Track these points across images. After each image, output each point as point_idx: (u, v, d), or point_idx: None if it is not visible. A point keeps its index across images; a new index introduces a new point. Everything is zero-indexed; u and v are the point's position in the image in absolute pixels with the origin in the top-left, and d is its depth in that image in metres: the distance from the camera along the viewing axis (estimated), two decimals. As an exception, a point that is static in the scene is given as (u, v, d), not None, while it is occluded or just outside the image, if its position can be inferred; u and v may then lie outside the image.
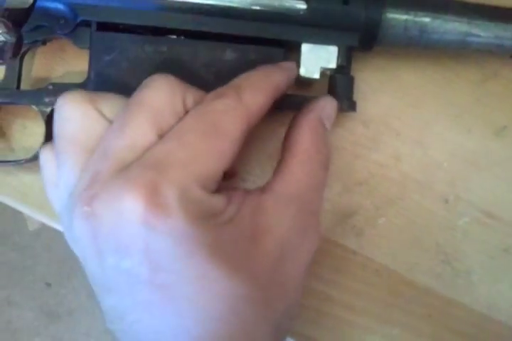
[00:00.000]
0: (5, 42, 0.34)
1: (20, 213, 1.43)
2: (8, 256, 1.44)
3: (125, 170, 0.28)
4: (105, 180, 0.28)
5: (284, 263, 0.30)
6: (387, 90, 0.41)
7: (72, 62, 0.42)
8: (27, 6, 0.36)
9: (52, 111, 0.38)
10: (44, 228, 1.43)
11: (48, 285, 1.42)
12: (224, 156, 0.30)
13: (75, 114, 0.32)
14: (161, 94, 0.31)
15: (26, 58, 0.40)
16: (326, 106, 0.35)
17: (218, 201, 0.29)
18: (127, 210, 0.27)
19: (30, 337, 1.40)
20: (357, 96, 0.39)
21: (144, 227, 0.27)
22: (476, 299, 0.40)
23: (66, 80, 0.41)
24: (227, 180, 0.33)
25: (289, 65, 0.36)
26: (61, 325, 1.41)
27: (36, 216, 0.41)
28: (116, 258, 0.28)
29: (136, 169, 0.28)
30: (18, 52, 0.36)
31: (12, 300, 1.42)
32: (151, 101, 0.31)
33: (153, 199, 0.27)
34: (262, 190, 0.32)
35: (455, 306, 0.40)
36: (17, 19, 0.35)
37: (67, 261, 1.40)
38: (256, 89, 0.32)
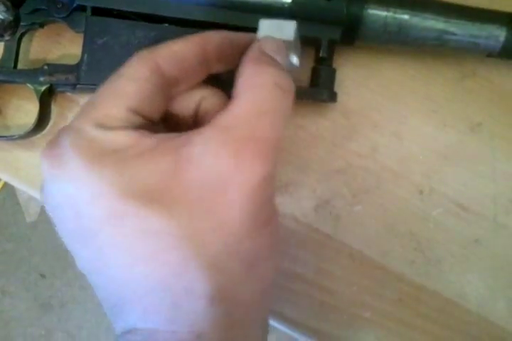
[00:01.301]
0: (3, 21, 0.36)
1: (18, 205, 1.45)
2: (4, 247, 1.45)
3: None
4: None
5: (212, 194, 0.27)
6: (368, 85, 0.43)
7: (67, 45, 0.44)
8: (24, -11, 0.38)
9: (46, 89, 0.40)
10: (41, 220, 1.45)
11: (43, 276, 1.44)
12: (123, 95, 0.29)
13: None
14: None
15: (24, 40, 0.42)
16: (268, 41, 0.32)
17: (119, 136, 0.28)
18: (43, 169, 0.29)
19: (23, 327, 1.42)
20: (340, 89, 0.41)
21: (52, 180, 0.28)
22: (446, 286, 0.41)
23: (62, 62, 0.42)
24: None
25: None
26: (54, 316, 1.42)
27: (27, 190, 0.43)
28: (51, 213, 0.29)
29: None
30: (14, 30, 0.38)
31: (6, 290, 1.43)
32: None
33: (51, 151, 0.28)
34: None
35: (425, 292, 0.41)
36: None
37: (62, 253, 1.42)
38: (174, 41, 0.32)
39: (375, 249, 0.41)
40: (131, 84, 0.30)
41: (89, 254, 0.28)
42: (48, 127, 0.42)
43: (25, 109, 0.43)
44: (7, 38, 0.38)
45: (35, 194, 0.42)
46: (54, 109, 0.42)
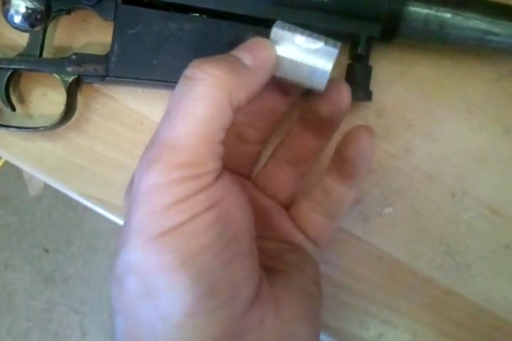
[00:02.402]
0: (34, 10, 0.34)
1: (21, 178, 1.44)
2: (7, 220, 1.45)
3: None
4: None
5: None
6: (403, 82, 0.42)
7: (94, 33, 0.42)
8: (56, -25, 0.36)
9: (73, 80, 0.39)
10: (44, 194, 1.44)
11: (46, 250, 1.44)
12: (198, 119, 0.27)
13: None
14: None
15: (50, 26, 0.40)
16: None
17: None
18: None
19: (26, 300, 1.42)
20: (373, 86, 0.40)
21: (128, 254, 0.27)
22: (474, 291, 0.41)
23: (88, 51, 0.41)
24: None
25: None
26: (56, 291, 1.43)
27: (51, 183, 0.42)
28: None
29: None
30: (46, 20, 0.36)
31: (9, 264, 1.43)
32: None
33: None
34: None
35: (453, 297, 0.41)
36: (46, -12, 0.35)
37: (66, 227, 1.41)
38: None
39: (404, 251, 0.41)
40: (206, 119, 0.27)
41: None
42: (73, 118, 0.41)
43: (49, 99, 0.42)
44: (38, 28, 0.36)
45: (60, 187, 0.41)
46: (79, 98, 0.41)
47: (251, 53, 0.30)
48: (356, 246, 0.41)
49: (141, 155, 0.27)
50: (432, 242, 0.41)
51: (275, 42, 0.32)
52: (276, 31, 0.33)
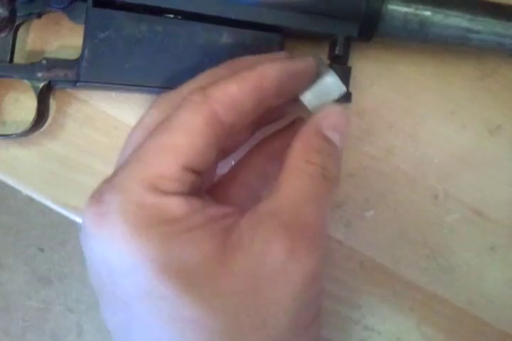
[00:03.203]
0: (-3, 16, 0.33)
1: (16, 177, 1.43)
2: (1, 220, 1.44)
3: None
4: None
5: (259, 288, 0.25)
6: (384, 82, 0.41)
7: (67, 36, 0.41)
8: (22, -21, 0.35)
9: (44, 86, 0.38)
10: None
11: (41, 250, 1.43)
12: (178, 151, 0.27)
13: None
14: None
15: (21, 31, 0.39)
16: (329, 115, 0.30)
17: (171, 205, 0.26)
18: (84, 225, 0.27)
19: (22, 300, 1.42)
20: (353, 86, 0.39)
21: (93, 239, 0.26)
22: (458, 295, 0.40)
23: (61, 55, 0.40)
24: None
25: (284, 55, 0.34)
26: (52, 290, 1.42)
27: (24, 190, 0.41)
28: (88, 267, 0.27)
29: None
30: (12, 25, 0.35)
31: (4, 263, 1.43)
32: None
33: (96, 208, 0.26)
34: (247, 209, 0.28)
35: (438, 301, 0.40)
36: (11, -8, 0.35)
37: (60, 226, 1.41)
38: (228, 79, 0.28)
39: (386, 255, 0.40)
40: (186, 138, 0.27)
41: (116, 322, 0.27)
42: (47, 124, 0.40)
43: (22, 105, 0.41)
44: (4, 34, 0.35)
45: (33, 194, 0.41)
46: (53, 104, 0.40)
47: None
48: (337, 251, 0.40)
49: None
50: (415, 245, 0.40)
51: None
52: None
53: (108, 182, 0.27)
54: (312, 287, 0.26)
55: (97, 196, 0.27)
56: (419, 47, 0.40)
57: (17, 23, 0.38)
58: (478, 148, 0.40)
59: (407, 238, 0.40)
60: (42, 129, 0.40)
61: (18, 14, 0.38)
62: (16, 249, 1.43)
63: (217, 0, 0.36)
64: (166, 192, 0.26)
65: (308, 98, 0.32)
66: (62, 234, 1.42)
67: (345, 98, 0.38)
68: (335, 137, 0.30)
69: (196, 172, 0.27)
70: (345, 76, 0.38)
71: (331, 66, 0.38)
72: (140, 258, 0.25)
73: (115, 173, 0.28)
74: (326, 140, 0.30)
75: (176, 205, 0.26)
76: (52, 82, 0.38)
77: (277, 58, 0.33)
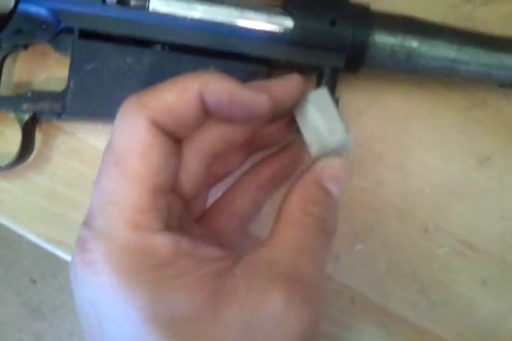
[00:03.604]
0: (-20, 49, 0.33)
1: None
2: (-6, 251, 1.43)
3: None
4: None
5: (251, 339, 0.24)
6: (372, 113, 0.40)
7: (54, 67, 0.41)
8: (7, 11, 0.35)
9: (29, 118, 0.37)
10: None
11: (33, 281, 1.41)
12: (138, 177, 0.26)
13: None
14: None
15: (7, 62, 0.39)
16: (332, 166, 0.29)
17: (160, 245, 0.25)
18: (73, 271, 0.26)
19: (13, 332, 1.39)
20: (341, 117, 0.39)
21: (83, 285, 0.25)
22: (450, 330, 0.39)
23: (48, 86, 0.40)
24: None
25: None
26: (44, 322, 1.40)
27: (7, 223, 0.40)
28: (78, 309, 0.27)
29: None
30: (-6, 58, 0.35)
31: (-4, 295, 1.41)
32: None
33: (82, 257, 0.25)
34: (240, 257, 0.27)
35: (429, 337, 0.39)
36: (-5, 25, 0.34)
37: (53, 258, 1.38)
38: (166, 87, 0.27)
39: (376, 290, 0.39)
40: (139, 161, 0.26)
41: None
42: (32, 156, 0.40)
43: (6, 137, 0.40)
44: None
45: (18, 228, 0.40)
46: (38, 136, 0.40)
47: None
48: (327, 286, 0.39)
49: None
50: (406, 280, 0.39)
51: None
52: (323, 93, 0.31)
53: (88, 227, 0.26)
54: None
55: (81, 243, 0.26)
56: (406, 78, 0.40)
57: (3, 54, 0.38)
58: (467, 180, 0.40)
59: (398, 272, 0.39)
60: (27, 162, 0.40)
61: (4, 45, 0.38)
62: (7, 280, 1.42)
63: (204, 32, 0.36)
64: (151, 229, 0.25)
65: (314, 146, 0.30)
66: (55, 266, 1.40)
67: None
68: (334, 189, 0.29)
69: (166, 191, 0.27)
70: (332, 107, 0.38)
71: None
72: (128, 306, 0.24)
73: (92, 215, 0.27)
74: (325, 191, 0.29)
75: (163, 247, 0.25)
76: (38, 114, 0.38)
77: (289, 84, 0.31)
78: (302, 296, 0.25)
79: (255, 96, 0.28)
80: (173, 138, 0.28)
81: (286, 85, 0.30)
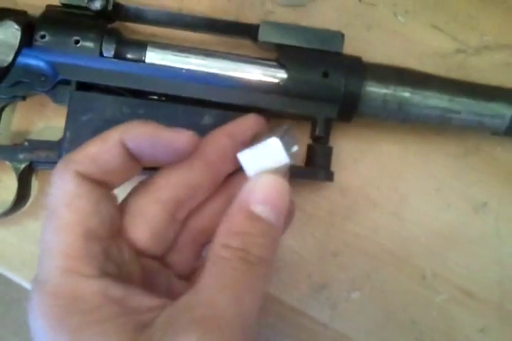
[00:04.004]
0: (-22, 102, 0.34)
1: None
2: (-7, 289, 1.42)
3: None
4: None
5: None
6: (366, 160, 0.41)
7: (52, 117, 0.41)
8: (5, 65, 0.36)
9: (25, 167, 0.38)
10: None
11: (32, 320, 1.39)
12: (66, 224, 0.27)
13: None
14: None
15: (6, 112, 0.40)
16: (256, 187, 0.27)
17: (88, 292, 0.25)
18: None
19: (10, 373, 1.37)
20: (336, 165, 0.39)
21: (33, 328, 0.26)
22: (449, 380, 0.39)
23: (45, 135, 0.40)
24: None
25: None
26: (42, 362, 1.38)
27: (3, 271, 0.40)
28: None
29: None
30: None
31: (-6, 334, 1.39)
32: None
33: (28, 305, 0.26)
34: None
35: (428, 387, 0.39)
36: (-7, 78, 0.35)
37: (53, 296, 1.38)
38: (90, 141, 0.29)
39: (374, 339, 0.39)
40: (66, 210, 0.27)
41: None
42: (28, 203, 0.40)
43: (3, 184, 0.41)
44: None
45: (13, 276, 0.40)
46: (35, 183, 0.40)
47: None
48: (323, 335, 0.39)
49: None
50: (403, 328, 0.39)
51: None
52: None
53: (34, 278, 0.27)
54: None
55: (29, 294, 0.27)
56: (400, 126, 0.41)
57: (1, 105, 0.39)
58: (463, 226, 0.40)
59: (395, 320, 0.39)
60: (23, 209, 0.40)
61: (2, 97, 0.38)
62: (6, 319, 1.40)
63: (200, 83, 0.37)
64: (83, 275, 0.26)
65: (245, 157, 0.28)
66: (55, 304, 1.39)
67: (327, 178, 0.38)
68: (266, 212, 0.27)
69: (98, 237, 0.27)
70: (326, 156, 0.38)
71: (312, 146, 0.38)
72: None
73: (38, 267, 0.28)
74: (252, 218, 0.27)
75: (89, 292, 0.25)
76: (34, 163, 0.38)
77: (250, 124, 0.34)
78: (215, 336, 0.24)
79: (176, 134, 0.29)
80: (104, 185, 0.29)
81: (241, 123, 0.33)
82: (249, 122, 0.34)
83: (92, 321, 0.25)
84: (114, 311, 0.25)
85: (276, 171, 0.28)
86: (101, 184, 0.28)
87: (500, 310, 0.39)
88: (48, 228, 0.27)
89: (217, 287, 0.25)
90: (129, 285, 0.27)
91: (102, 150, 0.29)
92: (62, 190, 0.28)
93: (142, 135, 0.29)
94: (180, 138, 0.29)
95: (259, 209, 0.27)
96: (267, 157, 0.28)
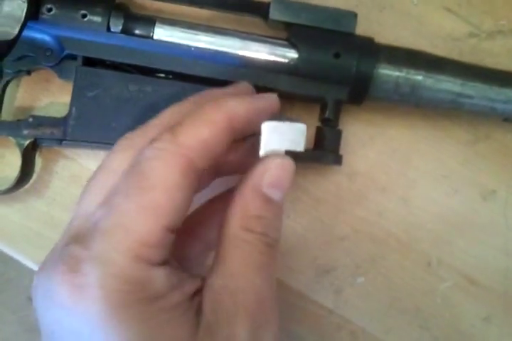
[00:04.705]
0: (-17, 75, 0.33)
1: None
2: (-9, 268, 1.42)
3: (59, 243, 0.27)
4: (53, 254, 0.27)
5: None
6: (375, 145, 0.40)
7: (57, 93, 0.41)
8: (10, 38, 0.35)
9: (29, 144, 0.37)
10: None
11: (30, 299, 1.39)
12: (159, 212, 0.25)
13: None
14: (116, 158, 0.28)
15: (10, 86, 0.39)
16: (270, 169, 0.27)
17: (157, 278, 0.25)
18: (52, 291, 0.25)
19: (8, 351, 1.38)
20: (345, 149, 0.38)
21: (65, 309, 0.24)
22: (452, 367, 0.39)
23: (50, 111, 0.40)
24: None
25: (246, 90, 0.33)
26: (40, 341, 1.38)
27: (5, 249, 0.40)
28: (46, 334, 0.26)
29: (62, 242, 0.26)
30: (-3, 83, 0.35)
31: (-8, 313, 1.40)
32: (108, 166, 0.28)
33: (72, 278, 0.24)
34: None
35: (429, 374, 0.38)
36: (-1, 51, 0.34)
37: (51, 276, 1.38)
38: (197, 122, 0.26)
39: (378, 325, 0.38)
40: (166, 196, 0.25)
41: None
42: (32, 181, 0.39)
43: (7, 161, 0.40)
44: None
45: (15, 254, 0.39)
46: (39, 161, 0.40)
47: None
48: (327, 320, 0.38)
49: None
50: (407, 315, 0.39)
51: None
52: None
53: (85, 247, 0.25)
54: None
55: (73, 263, 0.24)
56: (411, 110, 0.40)
57: (6, 80, 0.38)
58: (470, 213, 0.40)
59: (399, 307, 0.39)
60: (26, 187, 0.39)
61: (7, 71, 0.37)
62: (4, 298, 1.40)
63: (208, 61, 0.36)
64: (151, 263, 0.25)
65: (269, 128, 0.27)
66: (53, 283, 1.39)
67: (336, 161, 0.37)
68: (276, 195, 0.27)
69: (174, 230, 0.26)
70: (335, 139, 0.37)
71: (321, 128, 0.37)
72: (115, 337, 0.23)
73: (92, 235, 0.25)
74: (267, 201, 0.27)
75: (159, 280, 0.25)
76: (39, 139, 0.37)
77: (243, 93, 0.32)
78: (264, 321, 0.26)
79: (269, 102, 0.30)
80: (199, 176, 0.27)
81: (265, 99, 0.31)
82: (272, 100, 0.31)
83: (160, 309, 0.24)
84: (177, 298, 0.25)
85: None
86: (199, 174, 0.26)
87: (505, 299, 0.39)
88: (136, 204, 0.25)
89: (248, 271, 0.26)
90: (180, 271, 0.27)
91: (214, 135, 0.26)
92: (166, 175, 0.25)
93: (246, 114, 0.27)
94: (273, 105, 0.30)
95: (271, 191, 0.27)
96: (287, 137, 0.28)
